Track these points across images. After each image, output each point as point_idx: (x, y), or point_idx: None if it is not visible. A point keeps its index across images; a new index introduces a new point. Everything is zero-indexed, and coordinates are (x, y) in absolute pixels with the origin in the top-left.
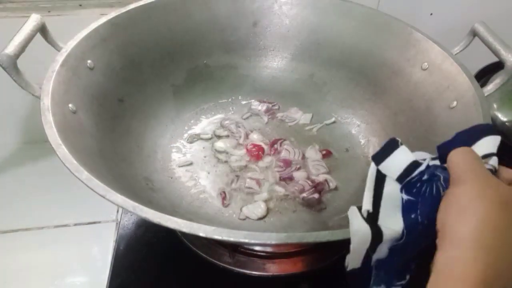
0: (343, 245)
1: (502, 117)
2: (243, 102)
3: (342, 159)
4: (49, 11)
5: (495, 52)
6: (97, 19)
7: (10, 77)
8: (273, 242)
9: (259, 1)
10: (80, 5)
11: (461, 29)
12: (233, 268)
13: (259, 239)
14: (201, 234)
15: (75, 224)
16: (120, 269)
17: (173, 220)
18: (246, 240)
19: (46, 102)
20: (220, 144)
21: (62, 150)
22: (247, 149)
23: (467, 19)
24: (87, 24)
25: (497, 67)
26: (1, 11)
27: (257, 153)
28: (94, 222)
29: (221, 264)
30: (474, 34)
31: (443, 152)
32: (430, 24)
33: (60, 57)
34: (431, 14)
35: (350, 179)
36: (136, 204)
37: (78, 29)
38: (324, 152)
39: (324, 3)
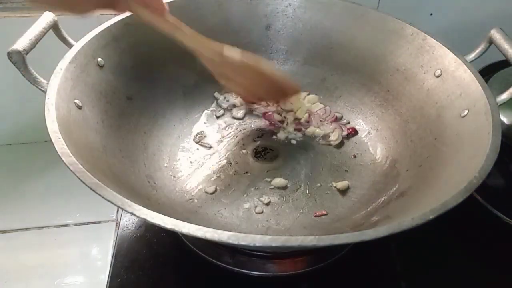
0: (343, 246)
1: (503, 117)
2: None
3: (348, 166)
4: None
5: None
6: (97, 18)
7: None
8: (257, 244)
9: (273, 4)
10: None
11: (461, 29)
12: (233, 268)
13: (243, 240)
14: (185, 231)
15: (75, 224)
16: (120, 269)
17: (159, 217)
18: (230, 241)
19: (51, 97)
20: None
21: (60, 144)
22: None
23: (467, 20)
24: (86, 23)
25: (498, 66)
26: (1, 11)
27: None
28: (94, 222)
29: (221, 264)
30: (490, 41)
31: None
32: (430, 24)
33: (70, 54)
34: (431, 14)
35: (355, 186)
36: (125, 199)
37: (78, 29)
38: None
39: (338, 7)
